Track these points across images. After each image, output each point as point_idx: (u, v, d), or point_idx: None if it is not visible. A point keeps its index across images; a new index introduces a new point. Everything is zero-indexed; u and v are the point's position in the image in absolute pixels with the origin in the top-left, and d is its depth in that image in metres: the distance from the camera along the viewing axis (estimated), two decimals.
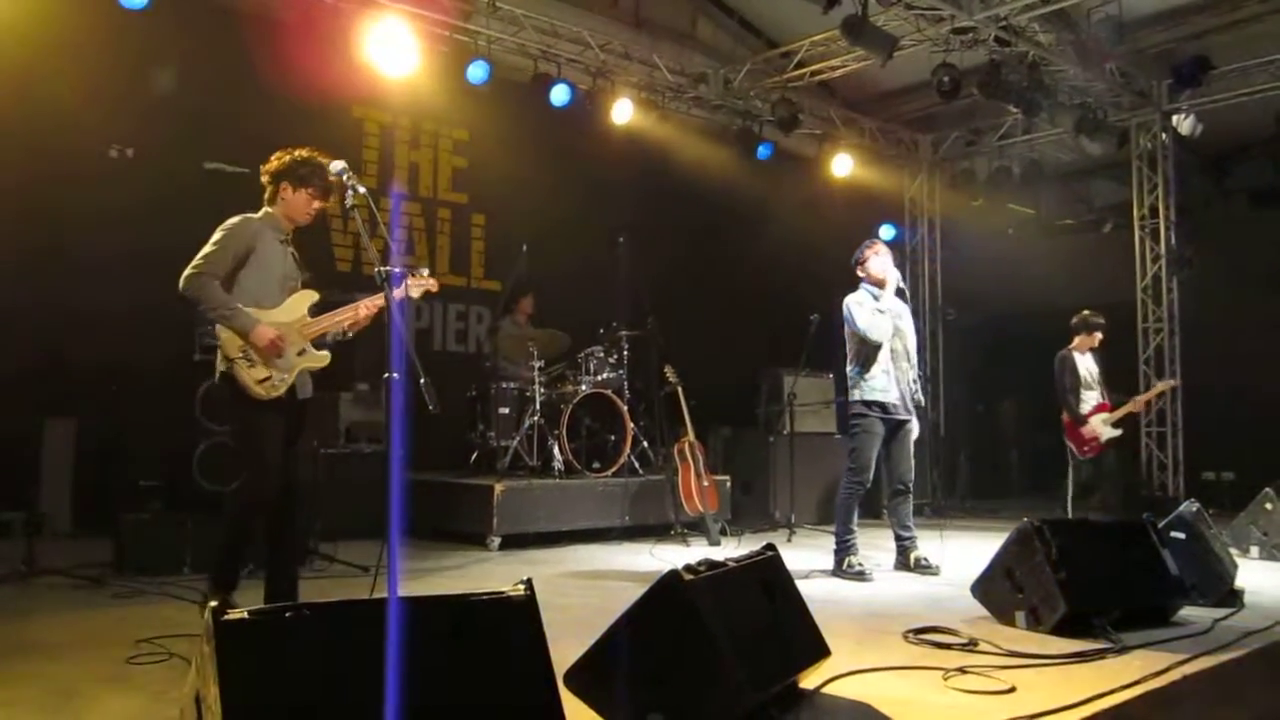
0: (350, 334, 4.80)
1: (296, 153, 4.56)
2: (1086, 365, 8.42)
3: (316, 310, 4.66)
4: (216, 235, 4.40)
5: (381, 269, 3.87)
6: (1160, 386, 8.86)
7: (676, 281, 10.01)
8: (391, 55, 8.43)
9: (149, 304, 6.96)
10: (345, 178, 4.19)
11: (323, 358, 4.62)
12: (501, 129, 9.70)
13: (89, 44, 7.41)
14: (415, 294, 4.76)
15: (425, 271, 4.85)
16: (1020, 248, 13.98)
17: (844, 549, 6.27)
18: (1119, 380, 9.17)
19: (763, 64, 10.78)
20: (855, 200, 12.10)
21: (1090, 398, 8.34)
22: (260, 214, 4.57)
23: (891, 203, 13.31)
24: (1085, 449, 8.28)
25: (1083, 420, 8.24)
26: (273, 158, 4.58)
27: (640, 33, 10.71)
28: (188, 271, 4.30)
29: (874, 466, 6.33)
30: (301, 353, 4.55)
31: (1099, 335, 8.44)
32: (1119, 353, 11.57)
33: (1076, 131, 10.74)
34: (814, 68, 10.40)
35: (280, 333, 4.40)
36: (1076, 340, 8.44)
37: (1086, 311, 8.52)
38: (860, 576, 6.09)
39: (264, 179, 4.59)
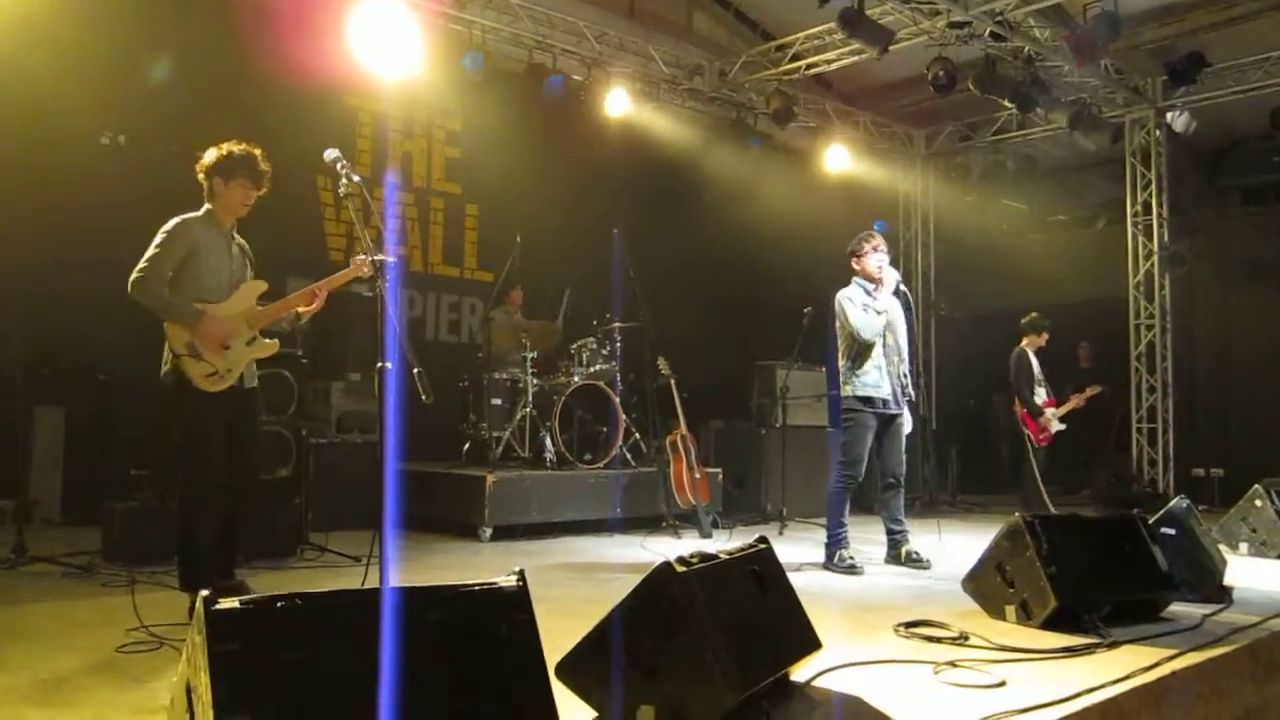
0: (305, 319, 4.88)
1: (223, 148, 4.63)
2: (1035, 363, 8.99)
3: (268, 299, 4.75)
4: (157, 239, 4.49)
5: (375, 258, 3.87)
6: (1091, 390, 9.31)
7: (670, 273, 10.00)
8: (386, 45, 8.39)
9: None
10: (339, 166, 4.20)
11: (271, 346, 4.70)
12: (495, 120, 9.68)
13: (80, 31, 7.36)
14: (366, 273, 4.48)
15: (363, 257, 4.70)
16: (1013, 243, 14.00)
17: (835, 542, 6.28)
18: (1110, 376, 9.40)
19: (758, 57, 10.77)
20: (849, 193, 12.10)
21: (1041, 393, 8.93)
22: (201, 212, 4.64)
23: (885, 196, 13.32)
24: (1041, 438, 8.86)
25: (1040, 412, 8.80)
26: (204, 155, 4.64)
27: (635, 24, 10.69)
28: (133, 276, 4.41)
29: (866, 460, 6.35)
30: (250, 342, 4.64)
31: (1045, 335, 9.03)
32: (1111, 348, 11.64)
33: (1071, 127, 10.76)
34: (809, 61, 10.39)
35: (227, 325, 4.51)
36: (1026, 340, 9.01)
37: (1035, 314, 9.10)
38: (851, 570, 6.10)
39: (199, 177, 4.66)
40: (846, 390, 6.39)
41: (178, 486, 4.67)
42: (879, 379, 6.32)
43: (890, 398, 6.36)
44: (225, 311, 4.55)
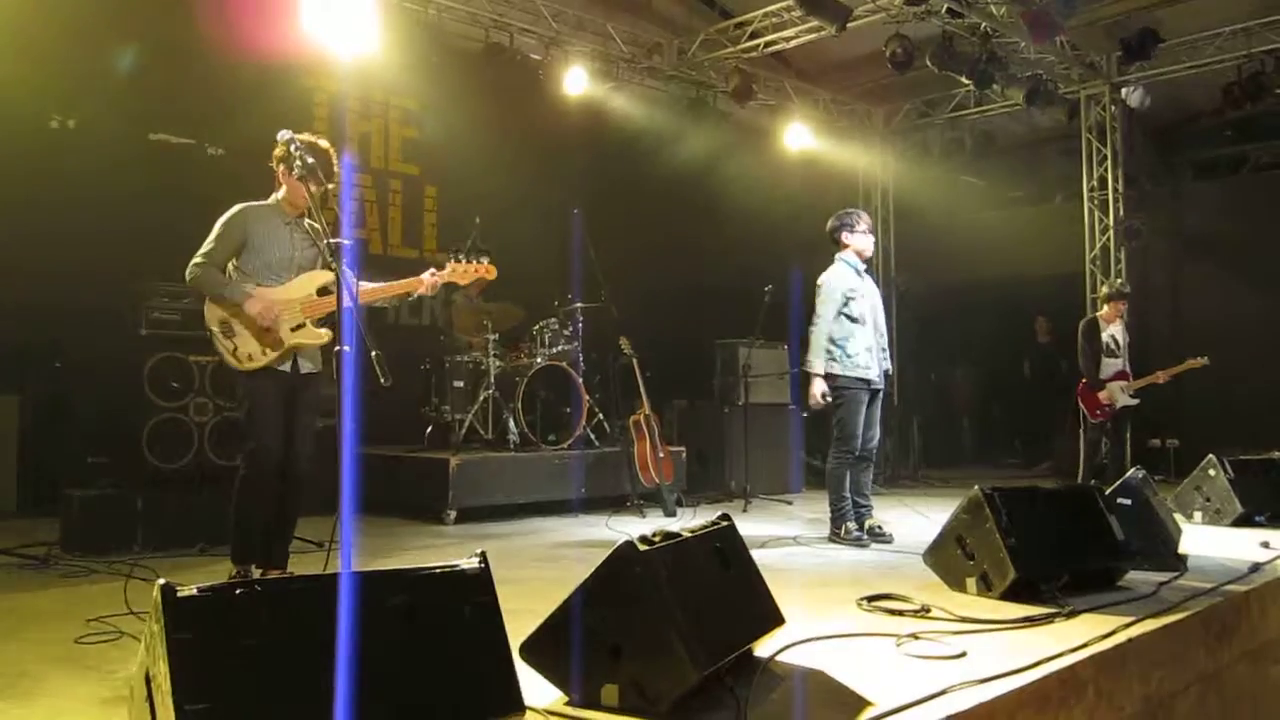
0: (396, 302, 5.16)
1: (295, 139, 4.59)
2: (1112, 333, 8.79)
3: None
4: (216, 225, 4.58)
5: (330, 241, 3.85)
6: (1190, 363, 9.01)
7: (631, 253, 9.98)
8: (340, 24, 8.25)
9: (93, 278, 6.85)
10: (292, 148, 4.17)
11: (321, 335, 4.69)
12: (453, 100, 9.59)
13: (28, 10, 7.20)
14: (464, 281, 5.21)
15: (484, 260, 5.29)
16: (972, 219, 14.10)
17: (839, 516, 6.35)
18: (1068, 350, 9.41)
19: (717, 34, 10.72)
20: (809, 171, 12.12)
21: (1113, 364, 8.68)
22: (269, 201, 4.72)
23: (845, 174, 13.35)
24: (1097, 412, 8.61)
25: (1100, 385, 8.52)
26: (278, 144, 4.67)
27: (593, 2, 10.60)
28: (192, 262, 4.51)
29: (861, 433, 6.37)
30: (298, 329, 4.63)
31: (1124, 305, 8.79)
32: (1068, 322, 11.77)
33: (1028, 103, 10.83)
34: (768, 39, 10.37)
35: (276, 306, 4.52)
36: (1105, 309, 8.83)
37: (1119, 281, 8.97)
38: (858, 542, 6.18)
39: (274, 166, 4.72)
40: (834, 369, 6.39)
41: (238, 464, 4.72)
42: (868, 360, 6.38)
43: (878, 377, 6.44)
44: (279, 295, 4.57)
